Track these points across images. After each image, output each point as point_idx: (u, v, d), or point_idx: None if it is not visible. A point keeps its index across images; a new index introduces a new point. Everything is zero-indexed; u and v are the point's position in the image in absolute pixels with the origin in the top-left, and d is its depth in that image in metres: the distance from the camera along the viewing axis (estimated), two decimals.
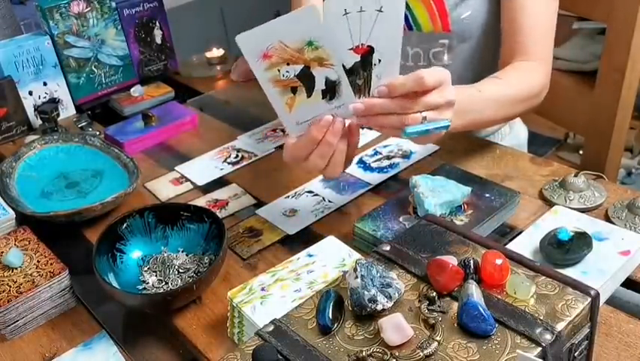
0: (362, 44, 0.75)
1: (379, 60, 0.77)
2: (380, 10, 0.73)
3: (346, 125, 0.78)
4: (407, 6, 1.07)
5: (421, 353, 0.50)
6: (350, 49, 0.75)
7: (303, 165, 0.81)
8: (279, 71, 0.75)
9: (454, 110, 0.79)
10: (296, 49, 0.73)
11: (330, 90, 0.77)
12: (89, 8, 1.35)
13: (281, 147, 1.13)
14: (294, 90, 0.77)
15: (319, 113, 0.77)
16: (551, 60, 1.02)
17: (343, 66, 0.76)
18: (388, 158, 1.05)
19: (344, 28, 0.73)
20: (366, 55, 0.76)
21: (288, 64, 0.75)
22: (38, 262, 0.82)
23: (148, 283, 0.81)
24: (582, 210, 0.85)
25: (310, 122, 0.78)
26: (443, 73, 0.76)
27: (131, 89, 1.40)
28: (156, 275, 0.82)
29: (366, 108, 0.75)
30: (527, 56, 0.99)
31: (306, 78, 0.76)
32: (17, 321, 0.77)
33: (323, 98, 0.77)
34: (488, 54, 1.13)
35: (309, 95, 0.77)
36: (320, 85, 0.76)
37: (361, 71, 0.77)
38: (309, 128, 0.78)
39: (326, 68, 0.75)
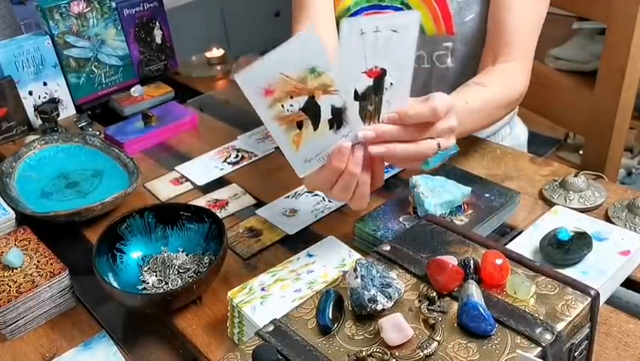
0: (375, 67, 0.71)
1: (390, 84, 0.73)
2: (395, 31, 0.69)
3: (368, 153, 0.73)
4: (410, 9, 1.07)
5: (421, 353, 0.50)
6: (363, 72, 0.71)
7: (327, 195, 0.76)
8: (282, 106, 0.70)
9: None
10: (299, 79, 0.69)
11: (337, 119, 0.72)
12: (89, 8, 1.35)
13: None
14: (299, 125, 0.72)
15: (328, 145, 0.73)
16: (532, 59, 1.02)
17: (355, 92, 0.72)
18: None
19: (359, 50, 0.70)
20: (379, 78, 0.72)
21: (291, 97, 0.70)
22: (38, 262, 0.82)
23: (148, 283, 0.81)
24: (582, 210, 0.85)
25: (319, 157, 0.73)
26: (449, 100, 0.74)
27: (131, 89, 1.40)
28: (156, 275, 0.82)
29: (376, 135, 0.71)
30: (510, 56, 0.99)
31: (311, 109, 0.71)
32: (17, 321, 0.77)
33: (330, 129, 0.72)
34: None
35: (315, 128, 0.72)
36: (326, 114, 0.72)
37: (373, 95, 0.73)
38: (330, 159, 0.72)
39: (331, 94, 0.71)
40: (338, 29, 1.15)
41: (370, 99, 0.73)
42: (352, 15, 1.13)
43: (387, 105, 0.73)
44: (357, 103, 0.72)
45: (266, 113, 0.70)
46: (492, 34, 1.02)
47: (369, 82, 0.72)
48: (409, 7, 1.07)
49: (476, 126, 0.93)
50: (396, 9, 1.08)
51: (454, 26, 1.05)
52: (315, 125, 0.72)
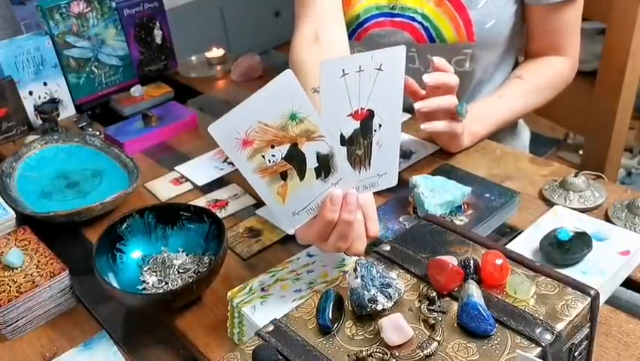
0: (361, 108, 0.66)
1: (380, 125, 0.68)
2: (380, 69, 0.65)
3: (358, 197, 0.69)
4: (427, 18, 1.06)
5: (421, 353, 0.50)
6: (349, 115, 0.66)
7: (322, 248, 0.72)
8: (263, 157, 0.64)
9: (475, 118, 0.99)
10: (278, 127, 0.63)
11: (324, 166, 0.66)
12: (89, 8, 1.35)
13: None
14: (284, 176, 0.66)
15: (316, 195, 0.67)
16: (578, 52, 1.11)
17: (342, 136, 0.67)
18: None
19: (342, 92, 0.64)
20: (366, 120, 0.67)
21: (272, 146, 0.64)
22: (38, 262, 0.82)
23: (148, 283, 0.81)
24: (582, 210, 0.85)
25: (308, 209, 0.68)
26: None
27: (131, 89, 1.40)
28: (156, 275, 0.82)
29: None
30: (557, 53, 1.08)
31: (295, 158, 0.65)
32: (17, 321, 0.77)
33: (318, 178, 0.67)
34: (508, 59, 1.14)
35: (301, 178, 0.66)
36: (312, 163, 0.66)
37: (361, 139, 0.68)
38: (321, 211, 0.68)
39: (315, 141, 0.65)
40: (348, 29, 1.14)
41: (359, 143, 0.68)
42: (362, 23, 1.13)
43: (377, 148, 0.69)
44: (345, 148, 0.68)
45: (245, 166, 0.64)
46: (535, 38, 1.10)
47: (356, 125, 0.67)
48: (424, 16, 1.06)
49: (518, 112, 1.08)
50: (409, 18, 1.08)
51: (475, 33, 1.05)
52: (301, 175, 0.66)
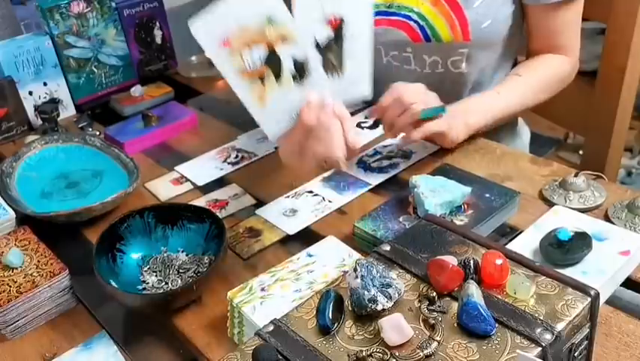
0: (335, 17, 0.70)
1: (352, 34, 0.73)
2: None
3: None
4: (423, 17, 1.06)
5: (421, 353, 0.50)
6: (323, 22, 0.71)
7: (302, 160, 0.77)
8: (242, 57, 0.68)
9: (471, 111, 1.01)
10: (256, 29, 0.67)
11: (300, 71, 0.71)
12: (89, 8, 1.35)
13: None
14: (262, 79, 0.71)
15: (295, 103, 0.72)
16: (578, 52, 1.11)
17: (318, 44, 0.71)
18: (388, 158, 1.05)
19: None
20: (338, 29, 0.72)
21: (250, 47, 0.68)
22: (38, 262, 0.82)
23: (148, 283, 0.81)
24: (582, 210, 0.85)
25: (289, 119, 0.74)
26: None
27: (131, 89, 1.40)
28: (156, 275, 0.82)
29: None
30: (557, 52, 1.09)
31: (272, 62, 0.70)
32: (17, 321, 0.77)
33: (294, 82, 0.72)
34: (506, 61, 1.14)
35: (279, 81, 0.71)
36: (288, 67, 0.71)
37: (335, 46, 0.72)
38: (300, 116, 0.72)
39: (291, 45, 0.69)
40: None
41: (332, 50, 0.73)
42: None
43: (350, 57, 0.73)
44: (319, 55, 0.72)
45: (226, 66, 0.69)
46: (535, 38, 1.10)
47: (329, 32, 0.71)
48: (420, 15, 1.06)
49: (513, 108, 1.07)
50: (405, 17, 1.08)
51: (471, 33, 1.05)
52: (278, 78, 0.71)
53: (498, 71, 1.16)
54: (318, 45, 0.71)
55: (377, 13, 1.11)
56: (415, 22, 1.07)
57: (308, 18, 0.69)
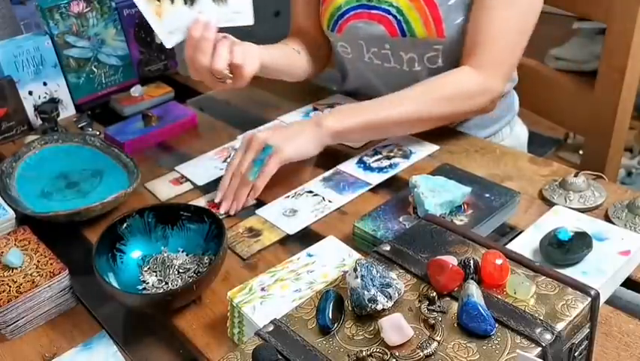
0: None
1: None
2: None
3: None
4: (401, 12, 1.07)
5: (421, 353, 0.50)
6: None
7: (194, 73, 0.98)
8: None
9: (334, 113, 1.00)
10: None
11: None
12: (89, 8, 1.35)
13: None
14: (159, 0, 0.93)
15: (186, 19, 0.94)
16: (511, 65, 1.04)
17: None
18: (388, 158, 1.05)
19: None
20: None
21: None
22: (38, 262, 0.82)
23: (148, 283, 0.81)
24: (582, 210, 0.85)
25: (182, 32, 0.95)
26: (243, 143, 0.99)
27: (131, 89, 1.40)
28: (156, 275, 0.82)
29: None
30: (479, 57, 1.00)
31: None
32: (17, 321, 0.77)
33: (185, 4, 0.93)
34: None
35: (172, 1, 0.93)
36: None
37: None
38: (189, 31, 0.94)
39: None
40: (328, 27, 1.17)
41: None
42: (342, 14, 1.14)
43: None
44: None
45: None
46: (468, 34, 1.03)
47: None
48: (398, 10, 1.07)
49: (393, 118, 1.00)
50: (384, 11, 1.09)
51: (444, 29, 1.05)
52: (171, 0, 0.93)
53: None
54: None
55: (359, 7, 1.12)
56: (394, 16, 1.08)
57: None
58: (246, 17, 0.99)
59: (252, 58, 1.02)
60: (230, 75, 0.99)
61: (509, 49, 1.02)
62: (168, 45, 0.96)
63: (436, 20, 1.05)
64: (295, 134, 0.98)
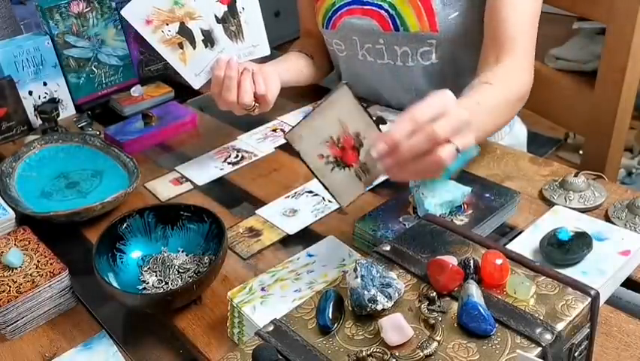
0: None
1: (243, 8, 1.00)
2: None
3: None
4: (394, 7, 1.08)
5: (421, 353, 0.50)
6: (216, 1, 0.98)
7: (224, 107, 1.03)
8: (162, 32, 0.95)
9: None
10: (167, 10, 0.94)
11: (209, 39, 0.99)
12: (89, 8, 1.35)
13: (281, 147, 1.13)
14: (181, 46, 0.98)
15: (208, 60, 1.00)
16: (534, 56, 1.00)
17: (216, 17, 0.98)
18: None
19: None
20: (231, 4, 0.99)
21: (167, 24, 0.95)
22: (38, 262, 0.82)
23: (148, 283, 0.81)
24: (582, 210, 0.85)
25: (205, 72, 1.01)
26: (440, 99, 0.65)
27: (131, 89, 1.40)
28: (156, 275, 0.82)
29: (388, 147, 0.63)
30: (513, 51, 0.96)
31: (185, 33, 0.97)
32: (17, 321, 0.77)
33: (206, 47, 0.99)
34: (474, 53, 1.13)
35: (194, 47, 0.98)
36: (199, 36, 0.98)
37: (231, 18, 0.99)
38: (212, 71, 1.00)
39: (197, 20, 0.97)
40: (323, 24, 1.17)
41: (230, 21, 0.99)
42: (336, 11, 1.16)
43: (246, 25, 1.01)
44: (220, 25, 0.99)
45: (152, 38, 0.95)
46: (493, 31, 0.99)
47: (225, 8, 0.99)
48: (391, 4, 1.08)
49: (493, 127, 0.92)
50: (377, 6, 1.09)
51: (438, 24, 1.05)
52: (193, 45, 0.98)
53: (465, 63, 1.13)
54: (218, 19, 0.98)
55: (351, 3, 1.13)
56: (386, 11, 1.09)
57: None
58: (263, 49, 1.06)
59: (273, 82, 1.05)
60: (257, 104, 1.03)
61: (533, 40, 0.99)
62: (196, 87, 1.02)
63: (429, 14, 1.05)
64: None
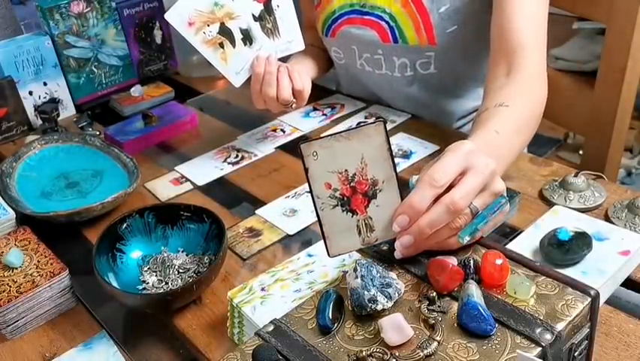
0: None
1: (278, 5, 1.04)
2: None
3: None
4: (394, 19, 1.08)
5: (421, 353, 0.50)
6: (254, 0, 1.02)
7: (262, 104, 1.05)
8: (204, 33, 0.97)
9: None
10: (208, 12, 0.97)
11: (247, 37, 1.02)
12: (89, 8, 1.35)
13: (281, 147, 1.14)
14: (221, 45, 1.00)
15: (248, 58, 1.03)
16: (545, 60, 0.94)
17: (253, 15, 1.01)
18: None
19: None
20: (267, 2, 1.03)
21: (208, 25, 0.98)
22: (38, 262, 0.82)
23: (148, 283, 0.81)
24: (582, 210, 0.85)
25: (245, 69, 1.03)
26: (459, 155, 0.61)
27: (131, 89, 1.40)
28: (156, 275, 0.82)
29: (411, 218, 0.59)
30: (526, 59, 0.90)
31: (225, 33, 1.00)
32: (17, 321, 0.77)
33: (245, 46, 1.01)
34: (473, 63, 1.14)
35: (234, 46, 1.01)
36: (238, 35, 1.01)
37: (267, 16, 1.03)
38: (252, 68, 1.03)
39: (235, 19, 1.00)
40: (322, 31, 1.18)
41: (266, 19, 1.03)
42: (336, 19, 1.15)
43: (281, 21, 1.04)
44: (258, 23, 1.02)
45: (195, 40, 0.97)
46: (502, 40, 0.93)
47: (261, 6, 1.03)
48: (391, 16, 1.07)
49: (518, 149, 0.85)
50: (377, 17, 1.09)
51: (436, 37, 1.05)
52: (233, 44, 1.01)
53: (464, 74, 1.14)
54: (255, 17, 1.02)
55: (352, 12, 1.13)
56: (386, 22, 1.09)
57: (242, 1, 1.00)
58: (298, 44, 1.09)
59: (306, 78, 1.09)
60: (294, 100, 1.06)
61: (544, 43, 0.94)
62: (237, 85, 1.03)
63: (427, 28, 1.05)
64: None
